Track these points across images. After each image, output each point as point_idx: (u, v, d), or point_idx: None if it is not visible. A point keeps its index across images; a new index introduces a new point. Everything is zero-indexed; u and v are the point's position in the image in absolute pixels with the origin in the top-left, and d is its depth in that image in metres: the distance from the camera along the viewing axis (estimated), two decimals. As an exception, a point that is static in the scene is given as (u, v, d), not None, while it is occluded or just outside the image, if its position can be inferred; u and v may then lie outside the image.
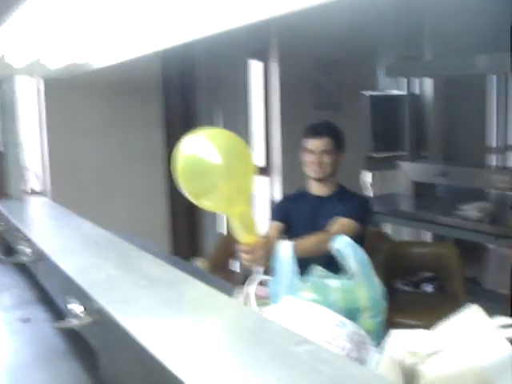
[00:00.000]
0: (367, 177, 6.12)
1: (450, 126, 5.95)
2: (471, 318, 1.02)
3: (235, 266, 4.33)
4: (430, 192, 5.20)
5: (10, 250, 2.59)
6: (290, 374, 0.93)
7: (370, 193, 6.11)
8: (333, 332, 1.31)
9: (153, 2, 1.17)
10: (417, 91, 6.32)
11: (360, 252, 1.72)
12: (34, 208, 3.04)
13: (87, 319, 1.37)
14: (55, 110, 4.54)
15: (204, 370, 0.96)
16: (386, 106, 6.26)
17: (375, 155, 6.15)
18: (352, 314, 1.56)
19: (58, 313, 1.71)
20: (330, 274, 1.81)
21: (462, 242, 4.50)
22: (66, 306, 1.55)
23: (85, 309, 1.39)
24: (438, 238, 5.20)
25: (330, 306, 1.48)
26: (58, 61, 2.26)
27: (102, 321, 1.28)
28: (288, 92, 5.42)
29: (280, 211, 3.12)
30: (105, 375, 1.46)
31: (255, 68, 5.54)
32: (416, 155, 5.80)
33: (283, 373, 0.93)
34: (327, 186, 3.03)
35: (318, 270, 1.82)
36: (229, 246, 2.71)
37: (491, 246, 5.30)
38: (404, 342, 1.07)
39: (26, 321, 2.00)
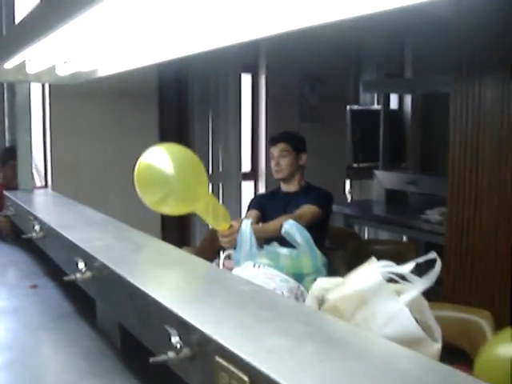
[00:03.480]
0: (346, 185, 6.48)
1: (426, 138, 6.26)
2: (366, 265, 1.42)
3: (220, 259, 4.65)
4: (402, 199, 5.53)
5: (19, 233, 2.93)
6: (236, 299, 1.31)
7: (348, 199, 6.47)
8: (277, 284, 1.70)
9: (153, 20, 1.44)
10: (396, 106, 6.64)
11: (303, 230, 2.11)
12: (40, 197, 3.32)
13: (89, 274, 1.74)
14: (59, 113, 4.76)
15: (178, 297, 1.33)
16: (365, 120, 6.46)
17: (355, 165, 6.46)
18: (298, 277, 1.95)
19: (61, 281, 2.00)
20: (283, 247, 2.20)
21: (434, 244, 4.83)
22: (70, 269, 1.92)
23: (87, 266, 1.76)
24: (412, 241, 5.46)
25: (280, 269, 1.88)
26: (67, 69, 2.54)
27: (102, 274, 1.64)
28: (274, 103, 5.73)
29: (257, 204, 3.51)
30: (100, 321, 1.85)
31: (245, 80, 5.77)
32: (393, 166, 6.14)
33: (230, 298, 1.32)
34: (293, 183, 3.44)
35: (273, 244, 2.21)
36: (214, 240, 3.02)
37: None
38: (321, 284, 1.48)
39: (33, 287, 2.34)
